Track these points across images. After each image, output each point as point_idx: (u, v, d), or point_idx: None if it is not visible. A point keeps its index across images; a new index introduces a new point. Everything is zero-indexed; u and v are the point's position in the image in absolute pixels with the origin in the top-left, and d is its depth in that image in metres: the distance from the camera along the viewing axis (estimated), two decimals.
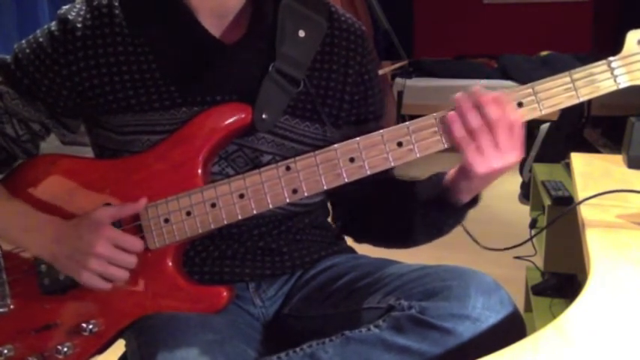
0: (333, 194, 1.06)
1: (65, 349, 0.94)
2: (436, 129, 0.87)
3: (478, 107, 0.84)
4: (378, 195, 1.04)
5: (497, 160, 0.85)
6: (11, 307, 0.97)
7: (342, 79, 1.01)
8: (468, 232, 1.04)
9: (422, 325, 0.81)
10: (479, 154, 0.85)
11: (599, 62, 0.85)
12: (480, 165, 0.85)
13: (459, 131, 0.85)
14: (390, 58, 4.59)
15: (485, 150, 0.85)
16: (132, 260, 0.91)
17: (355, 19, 1.06)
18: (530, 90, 0.86)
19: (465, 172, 0.89)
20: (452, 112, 0.86)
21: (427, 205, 0.97)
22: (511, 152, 0.85)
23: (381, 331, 0.83)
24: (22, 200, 0.96)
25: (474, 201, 0.96)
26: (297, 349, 0.86)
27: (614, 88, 0.85)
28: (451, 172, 0.93)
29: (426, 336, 0.80)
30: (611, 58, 0.85)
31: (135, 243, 0.91)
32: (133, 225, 0.93)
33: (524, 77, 4.96)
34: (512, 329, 0.81)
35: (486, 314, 0.80)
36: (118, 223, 0.93)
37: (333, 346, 0.84)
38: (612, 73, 0.85)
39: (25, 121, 1.00)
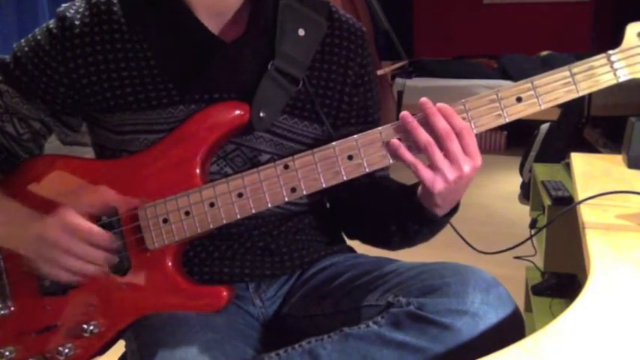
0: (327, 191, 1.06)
1: (66, 350, 0.94)
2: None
3: (425, 121, 0.84)
4: (363, 194, 1.03)
5: (452, 172, 0.84)
6: (12, 308, 0.97)
7: (341, 80, 1.01)
8: (460, 235, 1.02)
9: (420, 320, 0.81)
10: (433, 171, 0.84)
11: (599, 56, 0.84)
12: (437, 182, 0.84)
13: (408, 154, 0.85)
14: (390, 58, 4.59)
15: (437, 164, 0.84)
16: (97, 255, 0.89)
17: (355, 20, 1.05)
18: (529, 85, 0.85)
19: (425, 190, 0.87)
20: (395, 141, 0.85)
21: (402, 213, 0.96)
22: (465, 162, 0.84)
23: (379, 327, 0.83)
24: (11, 197, 0.94)
25: (453, 210, 0.94)
26: (296, 346, 0.86)
27: (614, 81, 0.84)
28: (419, 189, 0.91)
29: (424, 331, 0.80)
30: (610, 52, 0.84)
31: (100, 235, 0.89)
32: (132, 225, 0.93)
33: (524, 77, 4.93)
34: (511, 325, 0.81)
35: (485, 309, 0.80)
36: (118, 224, 0.93)
37: (331, 343, 0.84)
38: (612, 67, 0.83)
39: (25, 120, 1.00)
